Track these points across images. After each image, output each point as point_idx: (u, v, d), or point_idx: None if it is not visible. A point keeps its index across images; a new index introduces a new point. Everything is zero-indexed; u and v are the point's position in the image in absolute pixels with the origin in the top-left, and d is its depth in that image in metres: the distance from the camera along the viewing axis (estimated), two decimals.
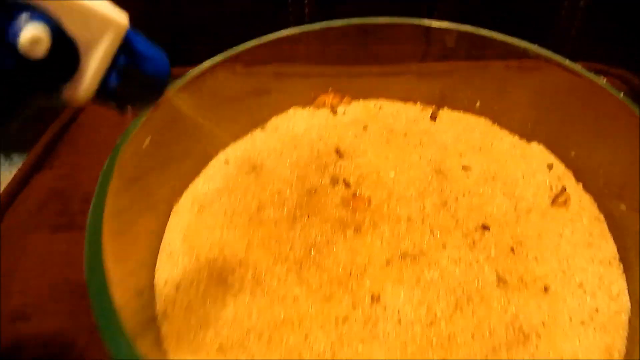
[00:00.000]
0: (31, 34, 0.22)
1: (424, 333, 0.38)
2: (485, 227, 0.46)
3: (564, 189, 0.48)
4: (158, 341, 0.40)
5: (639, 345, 0.38)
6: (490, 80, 0.57)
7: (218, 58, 0.54)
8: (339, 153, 0.54)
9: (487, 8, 0.76)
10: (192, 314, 0.41)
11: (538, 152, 0.54)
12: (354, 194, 0.50)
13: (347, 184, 0.51)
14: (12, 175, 0.60)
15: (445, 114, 0.60)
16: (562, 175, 0.51)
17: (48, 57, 0.23)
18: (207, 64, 0.53)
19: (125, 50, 0.27)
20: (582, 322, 0.39)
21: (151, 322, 0.41)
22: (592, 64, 0.66)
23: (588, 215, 0.47)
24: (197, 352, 0.39)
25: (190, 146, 0.53)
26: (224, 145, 0.57)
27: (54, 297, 0.48)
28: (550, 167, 0.52)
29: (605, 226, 0.46)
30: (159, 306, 0.42)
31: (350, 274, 0.42)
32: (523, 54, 0.52)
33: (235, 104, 0.58)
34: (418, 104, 0.62)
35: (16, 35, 0.22)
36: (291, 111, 0.62)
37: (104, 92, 0.27)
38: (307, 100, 0.62)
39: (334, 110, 0.61)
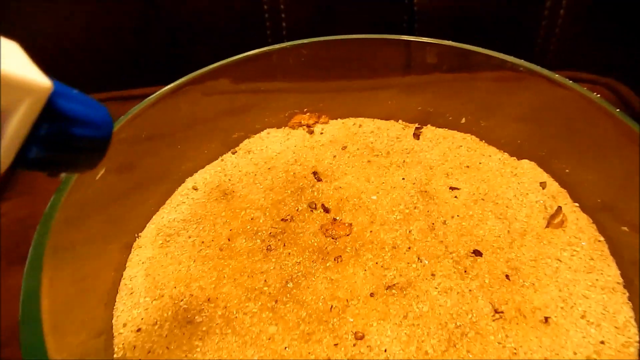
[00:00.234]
0: None
1: None
2: (477, 253, 0.42)
3: (559, 209, 0.45)
4: None
5: None
6: (475, 95, 0.55)
7: (185, 79, 0.51)
8: (316, 176, 0.51)
9: (466, 23, 0.73)
10: None
11: (529, 170, 0.50)
12: (334, 220, 0.46)
13: (326, 209, 0.47)
14: None
15: (429, 131, 0.57)
16: (557, 194, 0.48)
17: None
18: (171, 86, 0.50)
19: (50, 116, 0.23)
20: (588, 358, 0.36)
21: None
22: (578, 73, 0.64)
23: (587, 238, 0.43)
24: None
25: (154, 172, 0.49)
26: (191, 170, 0.54)
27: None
28: (543, 185, 0.48)
29: (606, 249, 0.43)
30: (117, 351, 0.38)
31: (331, 309, 0.39)
32: (510, 68, 0.50)
33: (204, 125, 0.55)
34: (400, 121, 0.59)
35: None
36: (264, 132, 0.58)
37: (24, 163, 0.23)
38: (281, 121, 0.59)
39: (310, 130, 0.57)
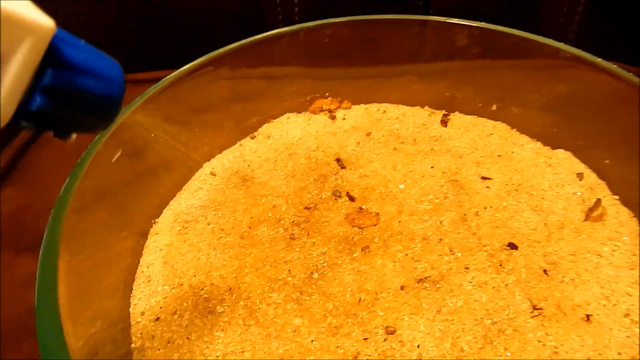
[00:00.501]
0: None
1: None
2: (512, 246, 0.40)
3: (599, 202, 0.43)
4: None
5: None
6: (507, 80, 0.52)
7: (200, 61, 0.49)
8: (340, 163, 0.49)
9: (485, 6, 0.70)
10: (174, 351, 0.35)
11: (565, 160, 0.48)
12: (360, 209, 0.44)
13: (351, 198, 0.45)
14: None
15: (457, 118, 0.54)
16: (595, 185, 0.45)
17: None
18: (187, 67, 0.48)
19: (53, 62, 0.21)
20: (633, 359, 0.33)
21: (125, 358, 0.36)
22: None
23: (629, 232, 0.41)
24: None
25: (170, 157, 0.47)
26: (208, 155, 0.52)
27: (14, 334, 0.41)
28: (580, 176, 0.46)
29: None
30: (135, 340, 0.37)
31: (360, 302, 0.37)
32: (547, 52, 0.47)
33: (220, 110, 0.53)
34: (426, 107, 0.56)
35: None
36: (284, 117, 0.56)
37: (27, 116, 0.21)
38: (301, 106, 0.57)
39: (332, 116, 0.55)
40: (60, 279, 0.30)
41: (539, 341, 0.34)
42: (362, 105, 0.57)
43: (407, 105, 0.57)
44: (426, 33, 0.55)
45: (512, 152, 0.49)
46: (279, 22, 0.74)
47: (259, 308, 0.37)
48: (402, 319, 0.36)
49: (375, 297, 0.37)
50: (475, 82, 0.54)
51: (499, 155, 0.49)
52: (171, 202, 0.47)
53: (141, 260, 0.42)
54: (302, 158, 0.50)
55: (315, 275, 0.39)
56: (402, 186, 0.46)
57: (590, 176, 0.46)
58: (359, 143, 0.51)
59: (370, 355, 0.34)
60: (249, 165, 0.50)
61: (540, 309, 0.36)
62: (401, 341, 0.34)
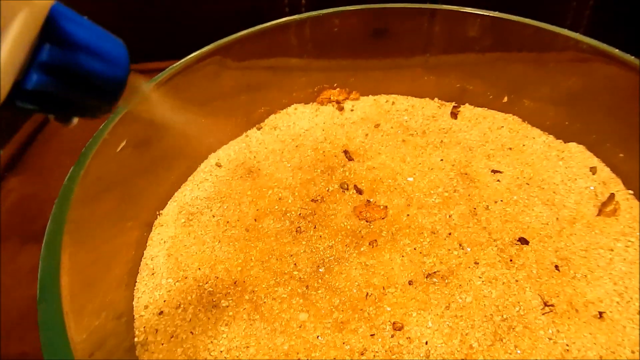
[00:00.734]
0: None
1: None
2: (523, 241, 0.39)
3: (612, 196, 0.42)
4: None
5: None
6: (518, 72, 0.51)
7: (207, 49, 0.48)
8: (347, 155, 0.48)
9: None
10: (178, 345, 0.35)
11: (578, 154, 0.47)
12: (368, 202, 0.43)
13: (358, 190, 0.44)
14: None
15: (467, 110, 0.54)
16: (608, 180, 0.44)
17: None
18: (194, 55, 0.47)
19: (51, 38, 0.20)
20: None
21: (128, 352, 0.35)
22: None
23: None
24: None
25: (175, 148, 0.47)
26: (214, 146, 0.51)
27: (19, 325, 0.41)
28: (593, 170, 0.45)
29: None
30: (139, 335, 0.36)
31: (367, 297, 0.36)
32: (561, 43, 0.46)
33: (226, 100, 0.52)
34: (435, 99, 0.55)
35: None
36: (291, 108, 0.55)
37: (22, 95, 0.19)
38: (309, 96, 0.56)
39: (340, 107, 0.54)
40: (64, 271, 0.29)
41: (550, 339, 0.33)
42: (370, 96, 0.57)
43: (416, 96, 0.56)
44: (437, 22, 0.54)
45: (523, 145, 0.48)
46: (286, 11, 0.73)
47: (264, 302, 0.36)
48: (410, 315, 0.35)
49: (383, 292, 0.36)
50: (486, 74, 0.53)
51: (510, 148, 0.48)
52: (176, 194, 0.46)
53: (145, 252, 0.42)
54: (309, 150, 0.49)
55: (322, 270, 0.38)
56: (411, 179, 0.45)
57: (604, 170, 0.45)
58: (367, 135, 0.51)
59: (377, 352, 0.33)
60: (255, 157, 0.49)
61: (552, 305, 0.35)
62: (409, 337, 0.34)
